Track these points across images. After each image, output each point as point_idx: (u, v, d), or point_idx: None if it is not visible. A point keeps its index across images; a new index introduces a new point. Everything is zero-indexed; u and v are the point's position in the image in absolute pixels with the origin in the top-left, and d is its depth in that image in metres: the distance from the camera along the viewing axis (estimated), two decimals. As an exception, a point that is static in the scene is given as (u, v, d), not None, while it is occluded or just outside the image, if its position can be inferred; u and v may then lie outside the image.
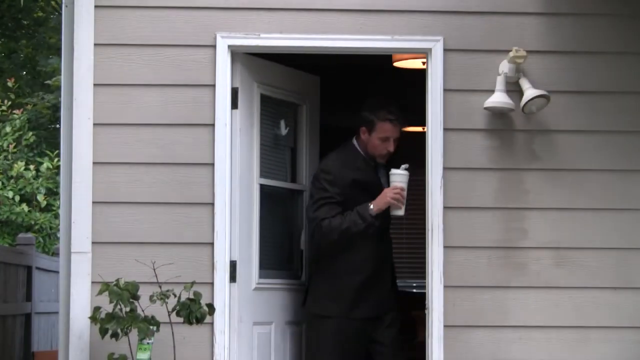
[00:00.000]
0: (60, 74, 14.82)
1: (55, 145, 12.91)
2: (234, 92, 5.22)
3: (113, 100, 5.16)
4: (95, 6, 5.16)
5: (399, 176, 5.19)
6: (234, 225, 5.18)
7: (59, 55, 15.22)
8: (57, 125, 15.18)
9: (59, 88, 14.41)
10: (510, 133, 5.23)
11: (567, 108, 5.24)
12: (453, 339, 5.16)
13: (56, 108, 14.91)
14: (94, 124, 5.13)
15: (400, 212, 5.22)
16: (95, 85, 5.14)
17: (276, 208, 5.61)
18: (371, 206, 5.16)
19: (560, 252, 5.20)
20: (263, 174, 5.44)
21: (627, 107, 5.26)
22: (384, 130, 5.27)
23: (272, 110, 5.57)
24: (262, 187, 5.41)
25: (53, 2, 17.05)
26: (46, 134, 14.97)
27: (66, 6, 5.17)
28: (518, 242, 5.20)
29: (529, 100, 5.09)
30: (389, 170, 5.26)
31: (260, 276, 5.36)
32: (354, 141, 5.39)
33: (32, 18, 17.46)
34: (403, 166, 5.19)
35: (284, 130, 5.59)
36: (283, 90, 5.60)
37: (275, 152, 5.62)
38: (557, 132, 5.24)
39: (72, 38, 5.14)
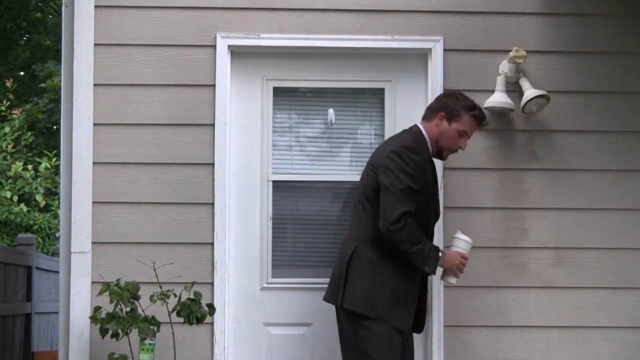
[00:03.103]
0: (55, 77, 14.73)
1: (53, 147, 12.90)
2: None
3: (113, 100, 5.16)
4: (95, 6, 5.16)
5: (466, 244, 4.74)
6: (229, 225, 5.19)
7: (55, 59, 15.21)
8: (54, 128, 15.14)
9: (54, 89, 14.47)
10: (510, 133, 5.24)
11: (567, 108, 5.25)
12: (453, 339, 5.16)
13: (51, 112, 14.88)
14: (94, 124, 5.13)
15: (453, 280, 4.75)
16: (95, 85, 5.14)
17: (313, 204, 5.42)
18: (442, 261, 4.65)
19: (560, 252, 5.20)
20: (281, 169, 5.37)
21: (627, 107, 5.26)
22: (468, 124, 4.74)
23: (312, 101, 5.47)
24: (276, 182, 5.33)
25: (52, 3, 17.03)
26: (42, 140, 14.91)
27: (66, 6, 5.18)
28: (518, 242, 5.20)
29: (529, 100, 5.09)
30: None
31: (275, 275, 5.31)
32: (420, 127, 4.80)
33: (30, 19, 17.44)
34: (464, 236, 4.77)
35: (332, 119, 5.47)
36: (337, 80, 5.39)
37: (321, 143, 5.42)
38: (557, 132, 5.24)
39: (72, 38, 5.14)
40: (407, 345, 4.73)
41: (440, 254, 4.62)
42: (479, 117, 4.75)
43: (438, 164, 5.11)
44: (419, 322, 4.79)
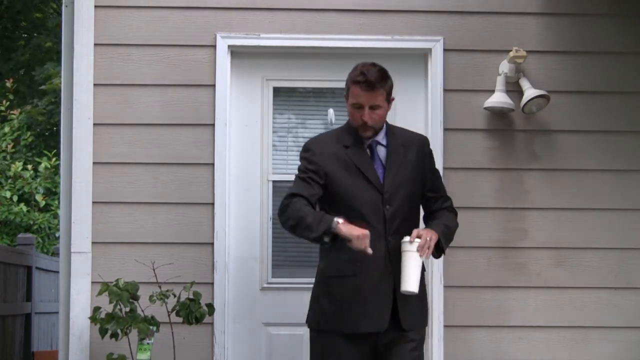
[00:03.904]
0: (55, 78, 14.70)
1: (52, 148, 12.90)
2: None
3: (113, 100, 5.16)
4: (95, 6, 5.16)
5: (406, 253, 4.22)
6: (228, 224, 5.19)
7: (55, 60, 15.17)
8: (54, 130, 15.13)
9: (53, 91, 14.46)
10: (510, 133, 5.24)
11: (567, 108, 5.25)
12: (453, 339, 5.16)
13: (51, 114, 14.89)
14: (94, 124, 5.13)
15: (411, 287, 4.18)
16: (95, 85, 5.14)
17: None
18: (335, 223, 4.18)
19: (560, 252, 5.20)
20: (281, 169, 5.35)
21: (626, 107, 5.26)
22: (354, 95, 4.38)
23: (312, 101, 5.47)
24: (276, 182, 5.30)
25: (52, 4, 17.03)
26: (41, 140, 14.91)
27: (66, 6, 5.18)
28: (518, 242, 5.20)
29: (529, 100, 5.09)
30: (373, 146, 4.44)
31: (275, 275, 5.31)
32: None
33: (30, 19, 17.45)
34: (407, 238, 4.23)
35: (332, 119, 5.45)
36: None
37: None
38: (557, 132, 5.24)
39: (72, 38, 5.14)
40: (390, 348, 4.37)
41: (334, 222, 4.17)
42: (362, 82, 4.34)
43: (438, 163, 5.11)
44: (400, 319, 4.34)
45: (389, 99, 4.44)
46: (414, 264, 4.18)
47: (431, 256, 4.37)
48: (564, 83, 5.25)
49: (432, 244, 4.25)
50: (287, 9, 5.22)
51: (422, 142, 4.60)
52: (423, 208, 4.55)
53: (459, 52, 5.24)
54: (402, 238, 4.25)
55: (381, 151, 4.46)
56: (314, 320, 4.46)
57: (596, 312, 5.19)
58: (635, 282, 5.21)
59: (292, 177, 5.30)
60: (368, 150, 4.45)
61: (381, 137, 4.46)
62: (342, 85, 5.34)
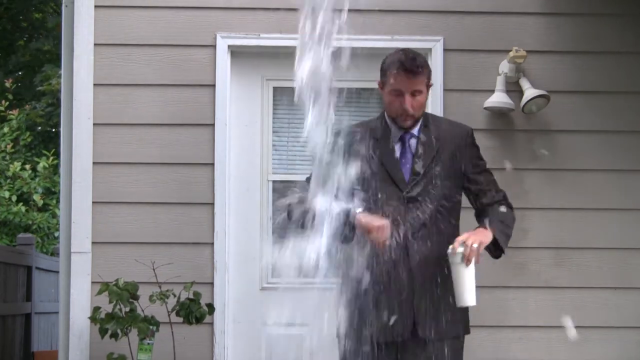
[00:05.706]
0: (53, 79, 14.59)
1: (52, 148, 12.89)
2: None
3: (113, 100, 5.16)
4: (95, 6, 5.16)
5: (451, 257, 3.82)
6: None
7: (52, 62, 15.12)
8: (52, 131, 15.12)
9: (52, 91, 14.44)
10: (510, 133, 5.24)
11: (567, 108, 5.25)
12: (453, 339, 5.15)
13: (49, 116, 14.89)
14: (94, 124, 5.13)
15: (465, 302, 3.78)
16: (95, 85, 5.14)
17: None
18: (353, 214, 3.81)
19: (560, 252, 5.20)
20: (281, 169, 5.36)
21: (627, 107, 5.26)
22: (396, 81, 3.91)
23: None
24: (276, 182, 5.31)
25: (52, 4, 17.02)
26: (40, 140, 14.88)
27: (66, 6, 5.18)
28: (518, 242, 5.18)
29: (529, 100, 5.10)
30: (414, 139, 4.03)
31: (275, 275, 5.30)
32: None
33: (30, 20, 17.44)
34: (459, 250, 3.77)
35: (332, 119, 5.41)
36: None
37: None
38: (557, 132, 5.24)
39: (72, 38, 5.15)
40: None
41: (352, 213, 3.79)
42: (407, 67, 3.91)
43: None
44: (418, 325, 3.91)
45: (429, 85, 4.02)
46: (462, 276, 3.75)
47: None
48: (564, 83, 5.25)
49: (481, 248, 3.80)
50: (287, 9, 5.21)
51: (463, 133, 4.07)
52: (471, 204, 4.13)
53: (459, 52, 5.24)
54: (426, 236, 3.93)
55: (413, 143, 4.01)
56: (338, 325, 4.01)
57: (596, 312, 5.19)
58: (635, 282, 5.21)
59: (292, 177, 5.35)
60: (400, 143, 4.01)
61: (415, 130, 4.01)
62: (343, 85, 5.37)
